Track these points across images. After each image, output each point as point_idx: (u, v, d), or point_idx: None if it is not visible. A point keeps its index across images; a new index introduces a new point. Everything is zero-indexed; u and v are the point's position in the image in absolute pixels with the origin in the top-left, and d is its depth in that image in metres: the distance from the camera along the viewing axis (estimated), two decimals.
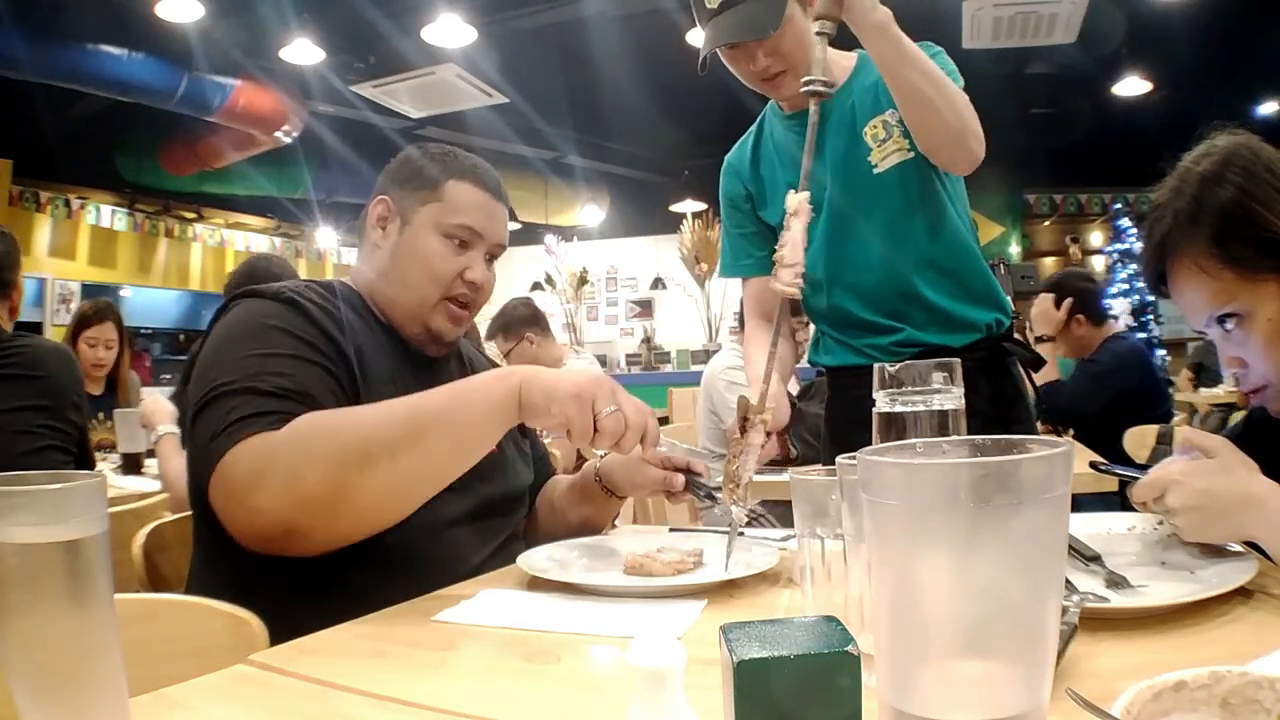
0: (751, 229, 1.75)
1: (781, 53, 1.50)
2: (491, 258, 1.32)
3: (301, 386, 1.07)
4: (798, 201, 1.12)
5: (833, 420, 1.82)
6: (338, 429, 1.02)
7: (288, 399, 1.05)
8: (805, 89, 1.20)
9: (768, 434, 1.20)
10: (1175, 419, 3.77)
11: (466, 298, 1.28)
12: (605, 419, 1.04)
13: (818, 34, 1.25)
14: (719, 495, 1.22)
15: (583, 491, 1.37)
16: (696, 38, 5.51)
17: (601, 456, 1.36)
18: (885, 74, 1.41)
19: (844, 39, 1.62)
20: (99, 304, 3.70)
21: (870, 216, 1.60)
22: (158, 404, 2.43)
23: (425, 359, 1.31)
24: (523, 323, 3.81)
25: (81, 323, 3.54)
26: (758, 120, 1.78)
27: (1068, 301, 3.31)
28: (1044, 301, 3.34)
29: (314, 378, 1.10)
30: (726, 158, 1.80)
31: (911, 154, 1.57)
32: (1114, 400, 3.19)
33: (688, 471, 1.27)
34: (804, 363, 2.08)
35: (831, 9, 1.26)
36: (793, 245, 1.11)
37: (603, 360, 7.37)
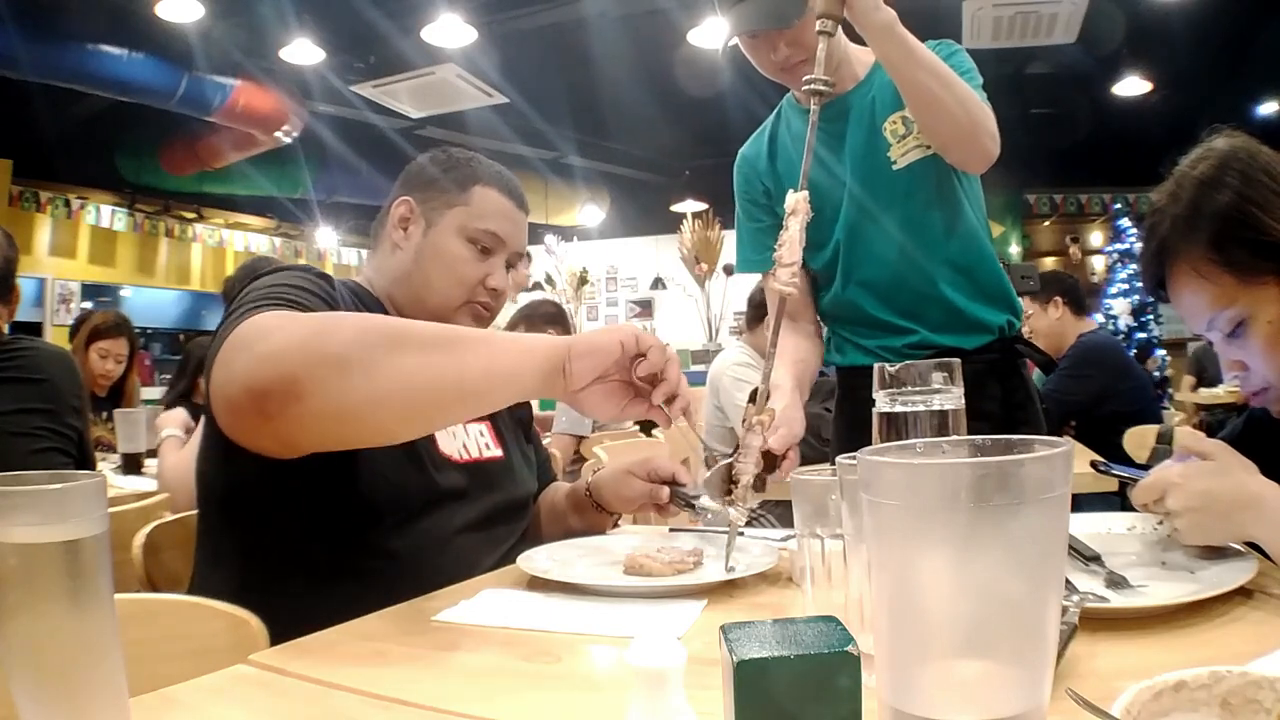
0: (769, 221, 1.72)
1: (803, 43, 1.49)
2: (510, 265, 1.33)
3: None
4: (795, 200, 1.12)
5: (842, 421, 1.81)
6: (375, 316, 1.01)
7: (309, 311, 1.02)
8: (806, 88, 1.20)
9: (784, 455, 1.20)
10: (1176, 419, 3.80)
11: (488, 304, 1.30)
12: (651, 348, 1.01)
13: (819, 32, 1.25)
14: (699, 504, 1.23)
15: (576, 504, 1.40)
16: (697, 37, 5.48)
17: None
18: (892, 74, 1.41)
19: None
20: (115, 318, 3.70)
21: (889, 212, 1.60)
22: (171, 414, 2.50)
23: None
24: (545, 319, 3.85)
25: (95, 333, 3.55)
26: (773, 114, 1.76)
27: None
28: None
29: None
30: (741, 151, 1.78)
31: (931, 151, 1.56)
32: (1100, 391, 3.25)
33: (672, 483, 1.28)
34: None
35: (834, 8, 1.26)
36: (790, 244, 1.11)
37: None
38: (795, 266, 1.11)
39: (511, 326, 3.80)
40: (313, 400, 0.88)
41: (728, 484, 1.10)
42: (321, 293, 1.09)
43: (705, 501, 1.23)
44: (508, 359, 0.97)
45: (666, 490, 1.28)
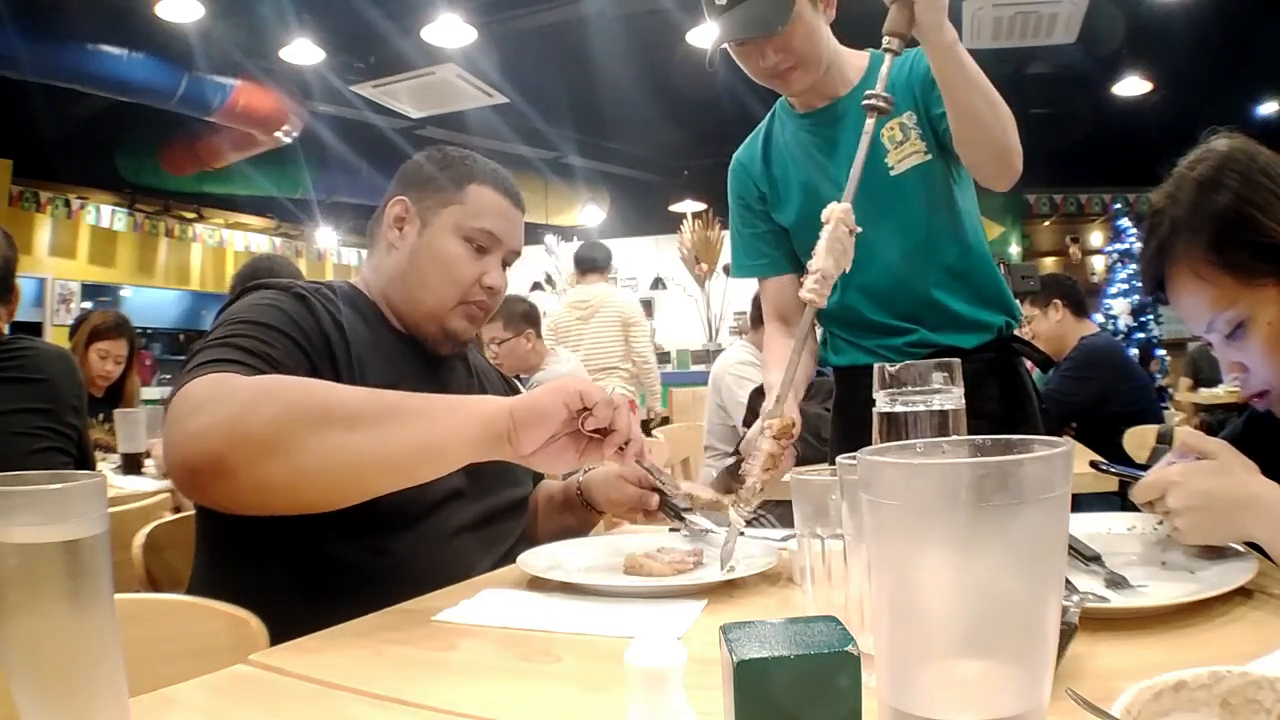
0: (764, 227, 1.73)
1: (791, 49, 1.50)
2: (506, 263, 1.33)
3: (282, 360, 1.06)
4: (828, 210, 1.14)
5: (841, 421, 1.82)
6: (307, 386, 0.99)
7: (265, 362, 1.04)
8: (865, 103, 1.22)
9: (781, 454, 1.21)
10: (1176, 420, 3.81)
11: (483, 304, 1.29)
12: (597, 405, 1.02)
13: (884, 49, 1.27)
14: (689, 517, 1.23)
15: (565, 502, 1.41)
16: (697, 37, 5.51)
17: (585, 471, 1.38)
18: (945, 91, 1.40)
19: (855, 37, 1.62)
20: (116, 318, 3.70)
21: (886, 218, 1.59)
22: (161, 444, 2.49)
23: (433, 362, 1.31)
24: (525, 319, 3.88)
25: (95, 334, 3.56)
26: (767, 118, 1.77)
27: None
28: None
29: (297, 362, 1.09)
30: (735, 156, 1.78)
31: (929, 157, 1.57)
32: (1101, 392, 3.25)
33: (660, 491, 1.28)
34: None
35: (900, 27, 1.27)
36: (816, 253, 1.14)
37: None
38: (819, 275, 1.13)
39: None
40: (240, 476, 0.92)
41: (731, 483, 1.11)
42: (289, 327, 1.10)
43: (695, 516, 1.24)
44: (442, 433, 0.99)
45: (656, 498, 1.28)
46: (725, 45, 1.52)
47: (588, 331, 4.77)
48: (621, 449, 1.06)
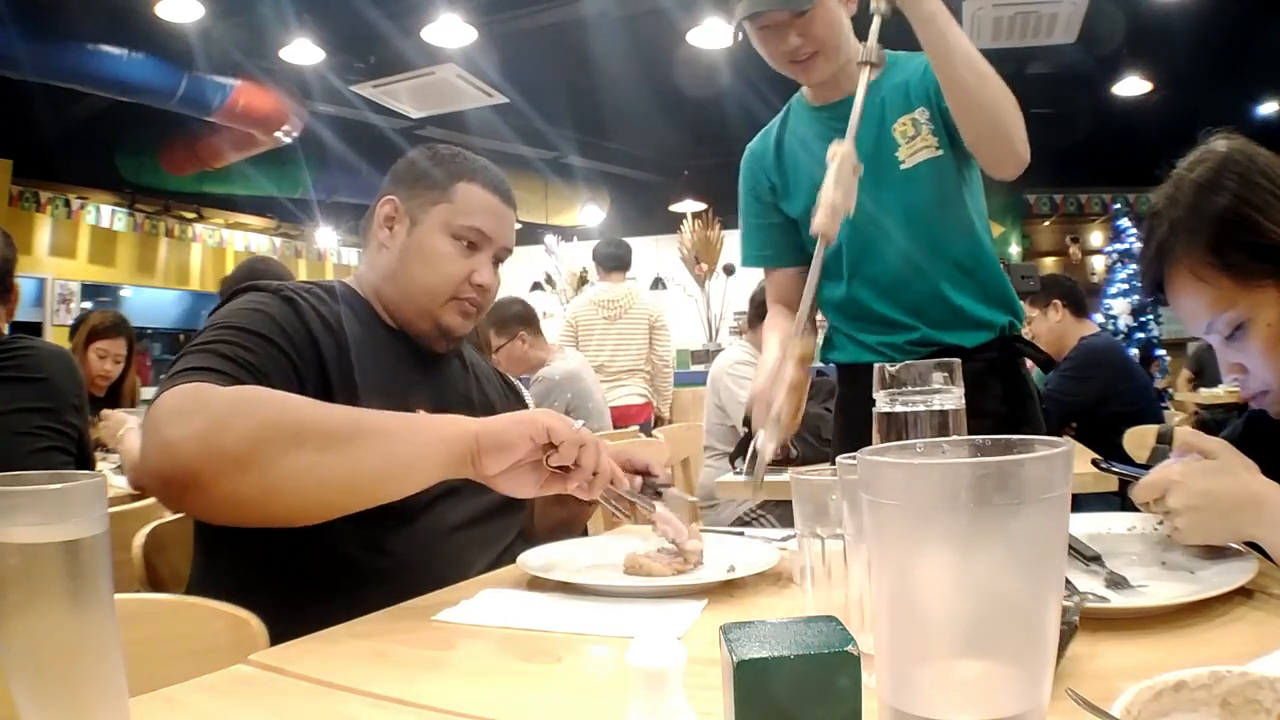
0: (775, 219, 1.76)
1: (812, 34, 1.53)
2: (498, 261, 1.33)
3: (263, 366, 1.07)
4: (833, 149, 1.23)
5: (842, 420, 1.82)
6: (281, 403, 1.00)
7: (245, 370, 1.05)
8: (859, 60, 1.29)
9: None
10: (1176, 419, 3.81)
11: (475, 301, 1.29)
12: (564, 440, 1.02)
13: (873, 11, 1.31)
14: (668, 493, 1.24)
15: (558, 495, 1.39)
16: (697, 37, 5.49)
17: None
18: (933, 63, 1.43)
19: (860, 37, 1.64)
20: (115, 318, 3.71)
21: (895, 211, 1.62)
22: (119, 414, 2.53)
23: (428, 359, 1.31)
24: (517, 320, 3.84)
25: (93, 334, 3.57)
26: (783, 111, 1.79)
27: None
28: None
29: (279, 367, 1.09)
30: (749, 146, 1.80)
31: (940, 152, 1.59)
32: (1101, 392, 3.26)
33: (645, 474, 1.27)
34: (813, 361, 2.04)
35: None
36: (825, 186, 1.22)
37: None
38: (829, 206, 1.21)
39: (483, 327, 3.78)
40: (212, 490, 0.94)
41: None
42: (273, 332, 1.10)
43: (675, 491, 1.24)
44: (407, 454, 1.00)
45: (639, 479, 1.26)
46: (745, 33, 1.54)
47: (613, 331, 4.73)
48: (587, 484, 1.07)
